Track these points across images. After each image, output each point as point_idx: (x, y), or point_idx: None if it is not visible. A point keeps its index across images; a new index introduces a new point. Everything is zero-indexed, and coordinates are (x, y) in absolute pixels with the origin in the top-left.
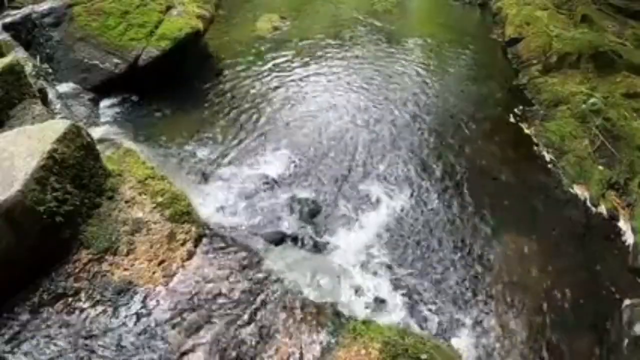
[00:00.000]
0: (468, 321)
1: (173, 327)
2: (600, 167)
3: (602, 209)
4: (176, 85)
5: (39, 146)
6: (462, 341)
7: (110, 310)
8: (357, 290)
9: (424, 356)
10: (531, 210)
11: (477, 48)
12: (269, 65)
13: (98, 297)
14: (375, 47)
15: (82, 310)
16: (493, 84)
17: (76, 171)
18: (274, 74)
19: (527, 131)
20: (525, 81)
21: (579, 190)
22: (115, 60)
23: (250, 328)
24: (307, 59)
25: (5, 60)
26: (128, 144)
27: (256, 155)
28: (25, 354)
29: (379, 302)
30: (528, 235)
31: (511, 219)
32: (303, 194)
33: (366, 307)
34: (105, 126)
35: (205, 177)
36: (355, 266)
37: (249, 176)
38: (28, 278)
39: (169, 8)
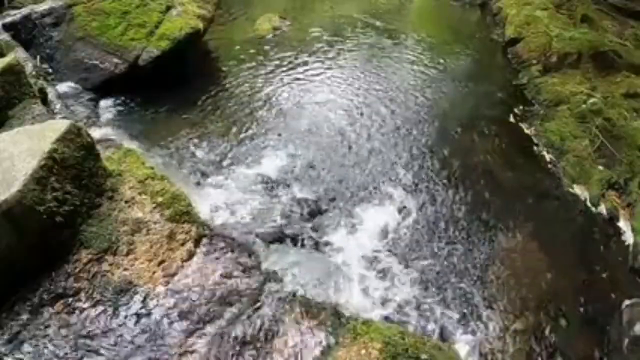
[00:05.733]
0: (468, 321)
1: (173, 327)
2: (600, 167)
3: (602, 209)
4: (176, 85)
5: (39, 146)
6: (462, 341)
7: (110, 310)
8: (357, 290)
9: (424, 356)
10: (531, 210)
11: (477, 48)
12: (269, 65)
13: (98, 297)
14: (375, 47)
15: (82, 310)
16: (493, 84)
17: (76, 171)
18: (274, 74)
19: (527, 131)
20: (525, 81)
21: (579, 190)
22: (115, 60)
23: (250, 328)
24: (307, 59)
25: (5, 60)
26: (128, 144)
27: (256, 155)
28: (25, 354)
29: (379, 301)
30: (527, 235)
31: (510, 219)
32: (303, 193)
33: (366, 307)
34: (105, 126)
35: (205, 177)
36: (356, 266)
37: (249, 176)
38: (28, 278)
39: (169, 8)
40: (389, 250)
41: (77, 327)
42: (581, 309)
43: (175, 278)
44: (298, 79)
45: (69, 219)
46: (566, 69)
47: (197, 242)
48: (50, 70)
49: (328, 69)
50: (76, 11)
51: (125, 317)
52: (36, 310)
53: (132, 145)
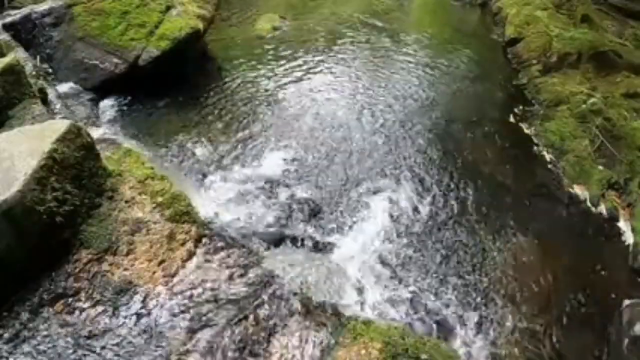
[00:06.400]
0: (468, 321)
1: (173, 327)
2: (600, 167)
3: (602, 209)
4: (176, 85)
5: (39, 146)
6: (462, 341)
7: (110, 310)
8: (358, 290)
9: (424, 356)
10: (531, 210)
11: (477, 48)
12: (269, 65)
13: (98, 297)
14: (375, 47)
15: (82, 310)
16: (493, 84)
17: (76, 171)
18: (274, 73)
19: (527, 131)
20: (525, 81)
21: (579, 190)
22: (115, 60)
23: (250, 328)
24: (307, 59)
25: (5, 60)
26: (128, 144)
27: (256, 155)
28: (25, 354)
29: (379, 301)
30: (527, 235)
31: (511, 219)
32: (303, 194)
33: (366, 307)
34: (105, 126)
35: (205, 177)
36: (355, 266)
37: (249, 176)
38: (28, 278)
39: (168, 8)
40: (389, 250)
41: (77, 327)
42: (581, 309)
43: (175, 278)
44: (298, 78)
45: (69, 219)
46: (566, 69)
47: (197, 242)
48: (50, 70)
49: (328, 68)
50: (76, 11)
51: (125, 317)
52: (36, 310)
53: (132, 145)
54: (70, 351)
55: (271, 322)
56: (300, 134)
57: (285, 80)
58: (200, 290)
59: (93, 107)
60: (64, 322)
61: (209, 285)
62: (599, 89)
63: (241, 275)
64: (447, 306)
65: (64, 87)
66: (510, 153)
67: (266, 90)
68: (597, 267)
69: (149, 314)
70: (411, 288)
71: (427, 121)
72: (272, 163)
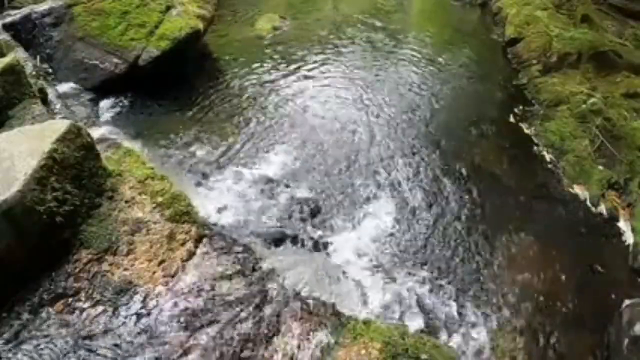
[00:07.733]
0: (468, 321)
1: (173, 327)
2: (600, 167)
3: (602, 209)
4: (176, 85)
5: (39, 146)
6: (462, 341)
7: (110, 310)
8: (358, 290)
9: (424, 356)
10: (531, 210)
11: (477, 48)
12: (269, 65)
13: (98, 297)
14: (375, 47)
15: (82, 310)
16: (493, 83)
17: (76, 171)
18: (274, 73)
19: (527, 131)
20: (525, 81)
21: (579, 190)
22: (115, 60)
23: (250, 328)
24: (307, 59)
25: (5, 60)
26: (128, 144)
27: (256, 155)
28: (25, 354)
29: (379, 301)
30: (527, 235)
31: (511, 219)
32: (303, 194)
33: (366, 307)
34: (105, 126)
35: (205, 177)
36: (355, 266)
37: (249, 176)
38: (28, 278)
39: (168, 8)
40: (389, 250)
41: (77, 327)
42: (581, 309)
43: (175, 278)
44: (298, 78)
45: (69, 219)
46: (566, 69)
47: (197, 242)
48: (50, 70)
49: (328, 69)
50: (76, 11)
51: (125, 317)
52: (36, 310)
53: (132, 145)
54: (70, 351)
55: (271, 322)
56: (300, 133)
57: (285, 80)
58: (200, 290)
59: (93, 107)
60: (64, 322)
61: (208, 285)
62: (599, 89)
63: (241, 275)
64: (447, 306)
65: (64, 87)
66: (510, 153)
67: (266, 91)
68: (597, 267)
69: (149, 314)
70: (411, 288)
71: (427, 121)
72: (273, 162)
